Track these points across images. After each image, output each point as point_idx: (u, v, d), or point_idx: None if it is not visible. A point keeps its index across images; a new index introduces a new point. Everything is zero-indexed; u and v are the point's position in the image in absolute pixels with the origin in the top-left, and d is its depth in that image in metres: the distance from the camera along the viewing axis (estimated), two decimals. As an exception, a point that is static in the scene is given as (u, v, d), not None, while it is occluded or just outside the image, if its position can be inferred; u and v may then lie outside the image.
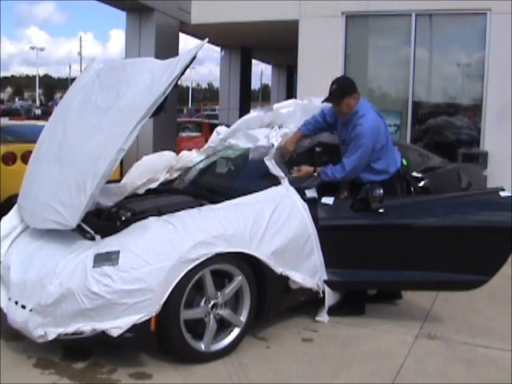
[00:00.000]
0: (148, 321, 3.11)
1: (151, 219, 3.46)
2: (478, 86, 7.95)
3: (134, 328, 3.08)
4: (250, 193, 3.87)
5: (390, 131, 4.41)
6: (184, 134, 14.20)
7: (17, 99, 61.37)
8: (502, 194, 3.98)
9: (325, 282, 3.92)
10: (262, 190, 3.93)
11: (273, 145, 4.19)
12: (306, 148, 4.43)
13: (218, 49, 15.51)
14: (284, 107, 4.82)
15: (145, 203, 4.02)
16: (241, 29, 10.92)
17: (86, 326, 3.09)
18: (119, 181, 4.75)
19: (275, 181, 4.05)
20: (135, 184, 4.50)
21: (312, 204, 3.94)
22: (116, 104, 3.57)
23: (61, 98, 4.76)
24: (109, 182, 3.84)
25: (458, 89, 8.56)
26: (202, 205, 3.77)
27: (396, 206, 3.97)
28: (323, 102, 4.18)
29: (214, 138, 4.95)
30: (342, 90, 4.06)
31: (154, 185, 4.56)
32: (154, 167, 4.77)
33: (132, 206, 3.91)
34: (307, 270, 3.81)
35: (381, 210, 3.87)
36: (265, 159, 4.15)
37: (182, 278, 3.18)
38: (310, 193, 4.01)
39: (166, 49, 9.37)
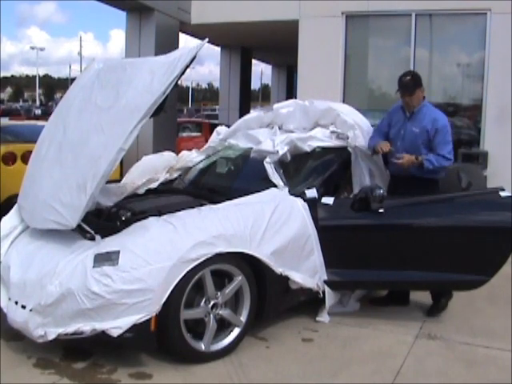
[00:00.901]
0: (148, 321, 3.11)
1: (151, 219, 3.46)
2: (478, 86, 7.93)
3: (134, 328, 3.08)
4: (251, 193, 3.87)
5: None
6: (184, 134, 14.18)
7: (21, 101, 61.27)
8: (502, 194, 3.98)
9: (325, 282, 3.92)
10: (262, 190, 3.93)
11: (278, 151, 4.16)
12: (306, 151, 4.40)
13: (218, 49, 15.51)
14: (284, 107, 4.82)
15: (145, 203, 4.02)
16: (241, 29, 10.92)
17: (86, 326, 3.09)
18: (119, 181, 4.75)
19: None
20: (135, 184, 4.51)
21: (312, 204, 3.94)
22: (116, 104, 3.57)
23: (61, 97, 4.75)
24: (109, 181, 3.84)
25: (458, 89, 8.55)
26: (202, 205, 3.77)
27: (396, 206, 3.97)
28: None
29: (214, 138, 4.96)
30: (416, 80, 4.14)
31: (154, 185, 4.56)
32: (154, 167, 4.77)
33: (132, 206, 3.91)
34: (307, 270, 3.80)
35: (381, 210, 3.87)
36: (264, 162, 4.14)
37: (182, 278, 3.18)
38: (310, 193, 4.01)
39: (166, 49, 9.25)
